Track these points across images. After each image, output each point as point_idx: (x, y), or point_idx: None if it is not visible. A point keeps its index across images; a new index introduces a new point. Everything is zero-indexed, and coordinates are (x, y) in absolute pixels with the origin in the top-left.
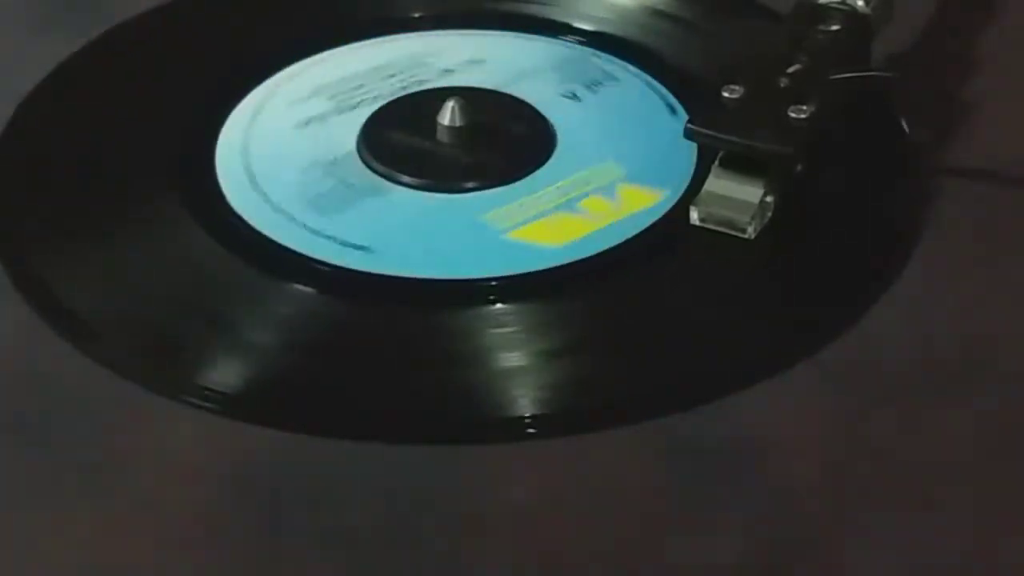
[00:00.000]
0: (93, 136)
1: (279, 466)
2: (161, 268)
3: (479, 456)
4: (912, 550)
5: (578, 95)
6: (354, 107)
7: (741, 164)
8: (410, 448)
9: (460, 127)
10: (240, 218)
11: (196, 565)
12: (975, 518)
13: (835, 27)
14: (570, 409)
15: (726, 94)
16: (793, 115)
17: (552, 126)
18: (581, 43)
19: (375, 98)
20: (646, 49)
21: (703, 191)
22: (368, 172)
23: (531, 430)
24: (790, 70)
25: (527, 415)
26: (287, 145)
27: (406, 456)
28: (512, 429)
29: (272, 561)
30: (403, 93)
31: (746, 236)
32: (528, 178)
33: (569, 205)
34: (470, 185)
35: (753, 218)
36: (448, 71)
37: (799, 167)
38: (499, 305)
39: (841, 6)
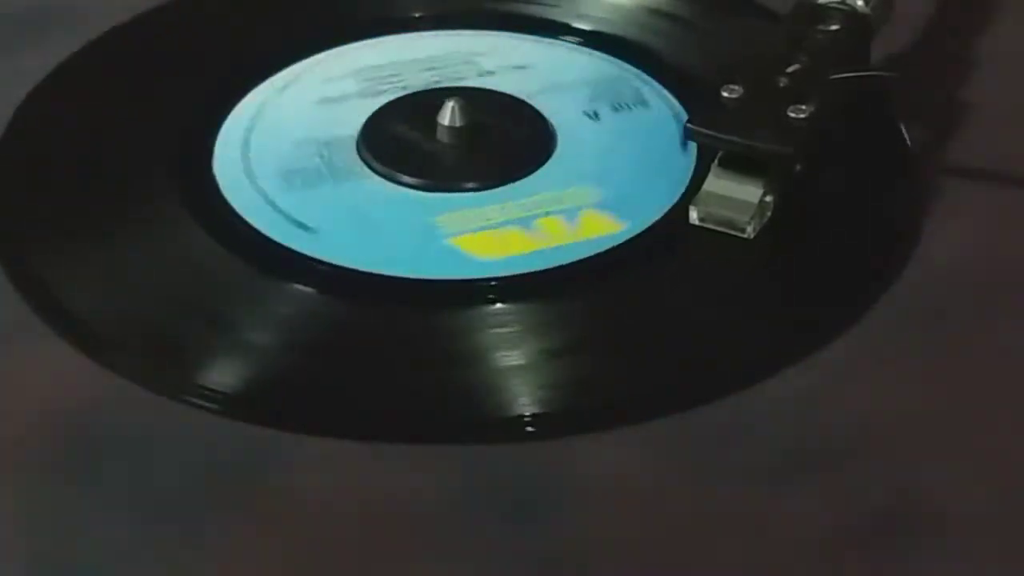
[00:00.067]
0: (93, 136)
1: (279, 466)
2: (161, 268)
3: (479, 456)
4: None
5: (599, 114)
6: (379, 94)
7: (740, 164)
8: (410, 448)
9: (460, 127)
10: (240, 218)
11: (197, 564)
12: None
13: (834, 27)
14: (570, 409)
15: (725, 94)
16: (792, 115)
17: (551, 136)
18: (619, 60)
19: (403, 88)
20: (646, 49)
21: (702, 191)
22: (354, 158)
23: (530, 428)
24: (789, 70)
25: (527, 415)
26: (297, 118)
27: (406, 456)
28: (512, 429)
29: (272, 561)
30: (433, 85)
31: (745, 236)
32: (502, 188)
33: (526, 221)
34: (437, 185)
35: (752, 218)
36: (489, 73)
37: (799, 167)
38: (499, 305)
39: (840, 6)
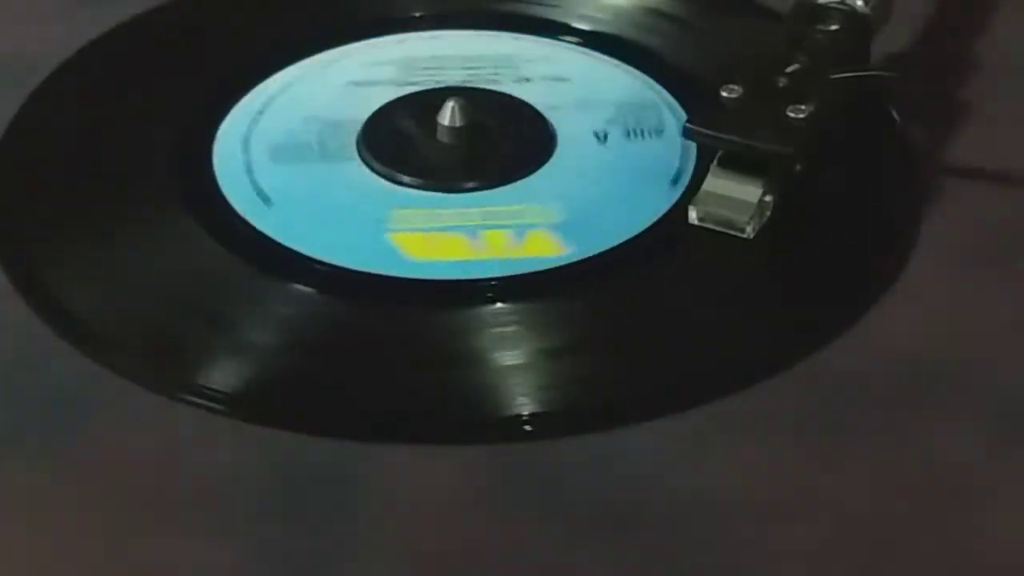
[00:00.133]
0: (93, 136)
1: (279, 466)
2: (161, 268)
3: (478, 456)
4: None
5: (608, 137)
6: (411, 85)
7: (739, 164)
8: (410, 448)
9: (459, 128)
10: (240, 218)
11: (195, 564)
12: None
13: (834, 27)
14: (569, 409)
15: (725, 94)
16: (792, 115)
17: (547, 148)
18: (647, 77)
19: (437, 82)
20: (645, 49)
21: (701, 190)
22: (350, 142)
23: (528, 427)
24: (789, 70)
25: (526, 415)
26: (321, 96)
27: (406, 456)
28: (512, 429)
29: (272, 561)
30: (466, 86)
31: (745, 236)
32: (468, 193)
33: (473, 230)
34: (407, 180)
35: (752, 218)
36: (525, 79)
37: (798, 167)
38: (499, 305)
39: (840, 6)
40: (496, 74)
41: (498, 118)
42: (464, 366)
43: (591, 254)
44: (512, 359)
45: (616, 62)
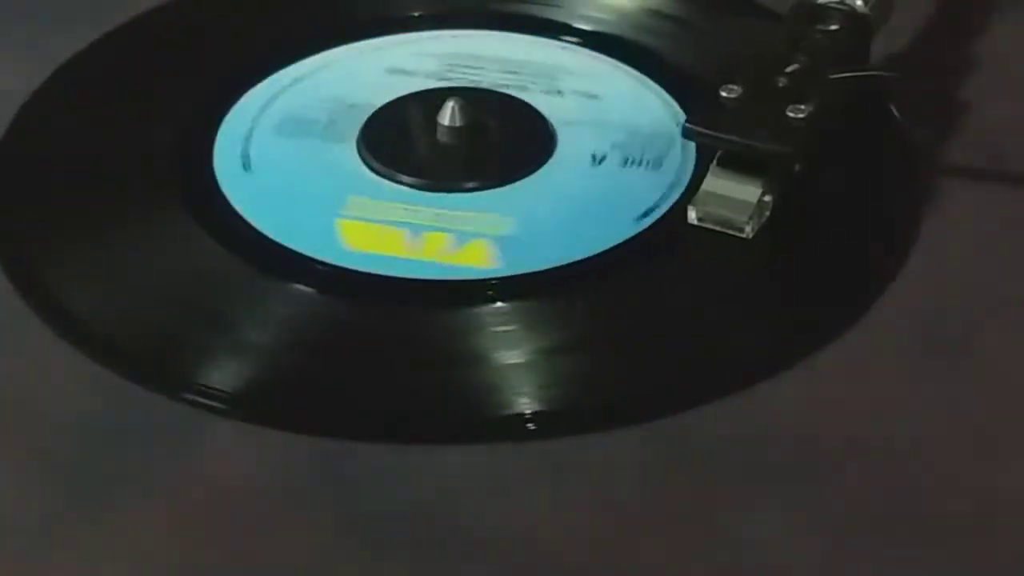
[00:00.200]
0: (93, 136)
1: (279, 466)
2: (161, 268)
3: (479, 455)
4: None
5: (603, 161)
6: (447, 80)
7: (738, 164)
8: (410, 448)
9: (459, 127)
10: (240, 218)
11: (196, 564)
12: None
13: (834, 27)
14: (570, 409)
15: (724, 94)
16: (792, 115)
17: (538, 159)
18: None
19: (472, 81)
20: (645, 49)
21: (701, 190)
22: (354, 126)
23: (531, 425)
24: (788, 70)
25: (527, 414)
26: (353, 77)
27: (406, 456)
28: (512, 428)
29: (272, 562)
30: (498, 88)
31: (744, 236)
32: (432, 193)
33: (418, 229)
34: (378, 169)
35: (751, 218)
36: (557, 92)
37: (798, 167)
38: (499, 304)
39: (840, 6)
40: (532, 82)
41: (500, 122)
42: (464, 366)
43: (518, 272)
44: (512, 359)
45: (657, 90)
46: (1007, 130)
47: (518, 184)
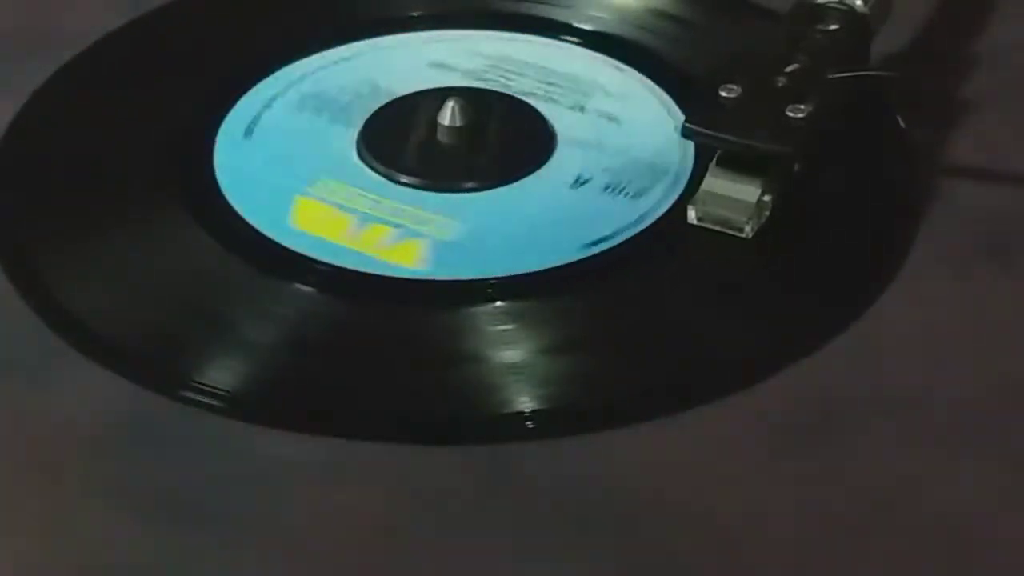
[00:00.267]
0: (93, 136)
1: (278, 466)
2: (161, 268)
3: (478, 455)
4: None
5: (586, 184)
6: (483, 81)
7: (738, 163)
8: (410, 448)
9: (458, 127)
10: (240, 218)
11: (196, 564)
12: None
13: (833, 27)
14: (569, 408)
15: (724, 93)
16: (791, 114)
17: (524, 169)
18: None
19: (503, 86)
20: (645, 48)
21: (700, 190)
22: (366, 113)
23: (530, 424)
24: (788, 69)
25: (526, 413)
26: (393, 65)
27: (406, 456)
28: (511, 428)
29: (272, 561)
30: (526, 97)
31: (743, 235)
32: (399, 186)
33: (365, 219)
34: (362, 155)
35: (750, 218)
36: (580, 108)
37: (797, 166)
38: (498, 303)
39: (839, 6)
40: (562, 95)
41: (500, 128)
42: (464, 365)
43: (439, 278)
44: (512, 358)
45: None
46: (1007, 130)
47: (486, 192)
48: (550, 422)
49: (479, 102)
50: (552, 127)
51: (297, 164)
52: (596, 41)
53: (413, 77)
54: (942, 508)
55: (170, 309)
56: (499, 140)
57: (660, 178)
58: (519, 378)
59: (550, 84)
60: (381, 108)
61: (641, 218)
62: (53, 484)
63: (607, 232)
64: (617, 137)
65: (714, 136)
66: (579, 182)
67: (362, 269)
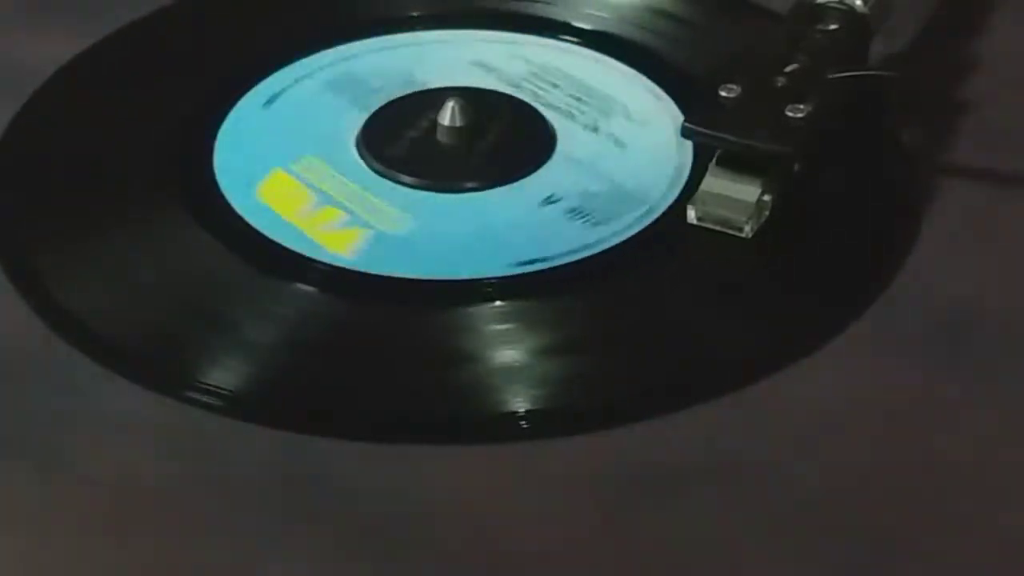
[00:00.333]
0: (93, 136)
1: (279, 466)
2: (161, 268)
3: (478, 455)
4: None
5: (554, 206)
6: (515, 87)
7: (737, 163)
8: (410, 448)
9: (459, 127)
10: (240, 217)
11: (195, 565)
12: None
13: (833, 27)
14: (568, 408)
15: (723, 93)
16: (791, 114)
17: (508, 176)
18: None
19: (534, 96)
20: (646, 49)
21: (700, 190)
22: (375, 103)
23: (524, 423)
24: (788, 69)
25: (524, 413)
26: (434, 58)
27: (406, 456)
28: (511, 428)
29: (272, 561)
30: (548, 110)
31: (743, 235)
32: (375, 175)
33: (326, 199)
34: (356, 140)
35: (750, 218)
36: (593, 129)
37: (797, 166)
38: (498, 303)
39: (839, 6)
40: (584, 113)
41: (500, 133)
42: (464, 365)
43: (367, 270)
44: (511, 358)
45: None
46: (1007, 130)
47: (454, 195)
48: (548, 422)
49: (483, 104)
50: (554, 140)
51: (293, 138)
52: (595, 40)
53: (451, 73)
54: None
55: (170, 309)
56: (493, 146)
57: (632, 208)
58: (518, 378)
59: (578, 100)
60: (399, 99)
61: (587, 246)
62: (52, 483)
63: (545, 254)
64: (612, 162)
65: (714, 136)
66: (550, 200)
67: (295, 248)
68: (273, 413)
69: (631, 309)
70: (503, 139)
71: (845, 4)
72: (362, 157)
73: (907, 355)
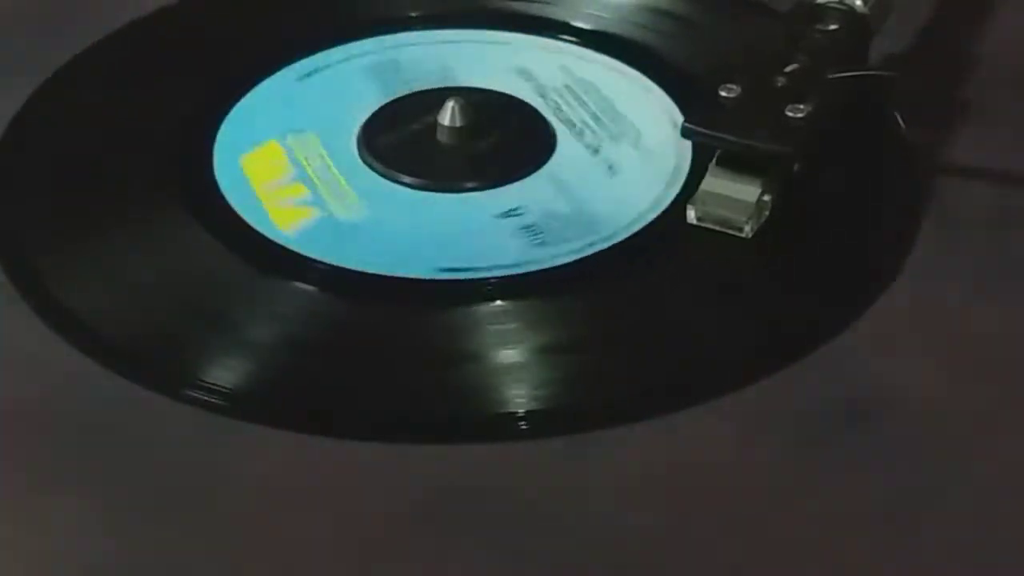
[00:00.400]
0: (93, 136)
1: (279, 466)
2: (161, 268)
3: (478, 455)
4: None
5: (512, 219)
6: (544, 97)
7: (738, 163)
8: (410, 448)
9: (459, 127)
10: (240, 217)
11: (195, 564)
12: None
13: (833, 27)
14: (568, 408)
15: (723, 93)
16: (791, 114)
17: (480, 183)
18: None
19: (556, 109)
20: (646, 49)
21: (700, 190)
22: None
23: (523, 424)
24: (788, 69)
25: (524, 413)
26: (474, 59)
27: (406, 456)
28: (510, 428)
29: (272, 562)
30: (562, 126)
31: (743, 235)
32: (359, 160)
33: (302, 176)
34: (357, 127)
35: (750, 217)
36: (595, 151)
37: (797, 166)
38: (498, 303)
39: (839, 6)
40: (594, 132)
41: (499, 138)
42: (463, 365)
43: (297, 250)
44: (511, 358)
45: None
46: (1007, 130)
47: (422, 193)
48: (547, 422)
49: (488, 107)
50: (549, 155)
51: (305, 112)
52: (594, 40)
53: (488, 75)
54: (941, 508)
55: (170, 309)
56: (484, 151)
57: (585, 235)
58: (518, 378)
59: (596, 119)
60: (417, 93)
61: (518, 264)
62: (52, 483)
63: (473, 264)
64: (591, 187)
65: (714, 136)
66: (511, 213)
67: (245, 217)
68: (273, 413)
69: (631, 309)
70: (498, 145)
71: (845, 4)
72: (356, 143)
73: (907, 355)
